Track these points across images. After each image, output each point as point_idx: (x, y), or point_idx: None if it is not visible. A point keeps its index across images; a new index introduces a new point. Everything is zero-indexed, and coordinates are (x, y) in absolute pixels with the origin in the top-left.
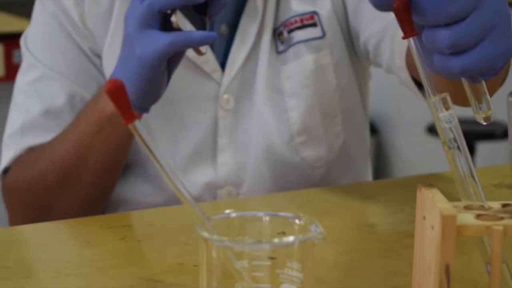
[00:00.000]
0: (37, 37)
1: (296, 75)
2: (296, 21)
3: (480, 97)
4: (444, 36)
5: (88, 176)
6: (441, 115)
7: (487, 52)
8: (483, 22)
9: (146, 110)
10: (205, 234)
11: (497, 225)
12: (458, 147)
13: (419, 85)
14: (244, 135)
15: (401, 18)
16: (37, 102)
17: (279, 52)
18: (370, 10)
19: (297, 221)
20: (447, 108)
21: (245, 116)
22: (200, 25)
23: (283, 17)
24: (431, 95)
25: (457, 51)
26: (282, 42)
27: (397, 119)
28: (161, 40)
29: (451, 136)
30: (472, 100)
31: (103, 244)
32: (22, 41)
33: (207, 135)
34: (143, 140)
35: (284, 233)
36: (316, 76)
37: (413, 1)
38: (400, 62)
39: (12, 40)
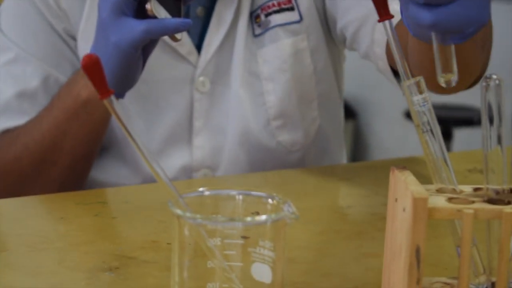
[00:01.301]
0: (10, 17)
1: (273, 59)
2: (273, 5)
3: (447, 60)
4: None
5: (63, 160)
6: (415, 98)
7: (460, 11)
8: None
9: (121, 95)
10: (178, 211)
11: (468, 209)
12: (431, 131)
13: (395, 72)
14: (220, 118)
15: (377, 1)
16: (11, 84)
17: (255, 36)
18: (342, 4)
19: (270, 200)
20: (421, 92)
21: (221, 99)
22: (175, 10)
23: (260, 1)
24: (405, 79)
25: (431, 3)
26: (259, 25)
27: (375, 104)
28: (136, 28)
29: (425, 119)
30: (438, 63)
31: (78, 220)
32: None
33: (182, 118)
34: (118, 116)
35: (257, 213)
36: (293, 61)
37: None
38: (379, 50)
39: None
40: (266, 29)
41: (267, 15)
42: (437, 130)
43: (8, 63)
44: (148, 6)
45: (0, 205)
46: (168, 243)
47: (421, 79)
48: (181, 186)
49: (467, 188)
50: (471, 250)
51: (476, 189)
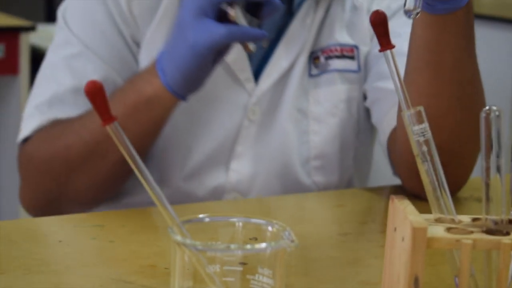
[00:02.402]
0: (79, 13)
1: (325, 101)
2: (336, 50)
3: None
4: None
5: (113, 155)
6: (414, 128)
7: None
8: None
9: (184, 98)
10: (178, 238)
11: (467, 239)
12: (431, 160)
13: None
14: (261, 147)
15: (378, 30)
16: (69, 78)
17: (311, 75)
18: (380, 67)
19: (269, 228)
20: (420, 122)
21: (267, 129)
22: (251, 24)
23: (323, 43)
24: (405, 108)
25: None
26: (316, 66)
27: (373, 128)
28: (217, 30)
29: (424, 149)
30: None
31: (75, 243)
32: (59, 13)
33: (227, 140)
34: (121, 140)
35: (256, 239)
36: (343, 107)
37: None
38: (383, 139)
39: None
40: (324, 71)
41: (327, 58)
42: (436, 159)
43: (70, 57)
44: (231, 12)
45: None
46: (166, 268)
47: (421, 108)
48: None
49: (466, 218)
50: (469, 280)
51: (474, 219)
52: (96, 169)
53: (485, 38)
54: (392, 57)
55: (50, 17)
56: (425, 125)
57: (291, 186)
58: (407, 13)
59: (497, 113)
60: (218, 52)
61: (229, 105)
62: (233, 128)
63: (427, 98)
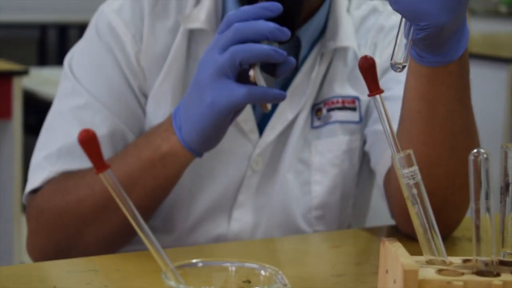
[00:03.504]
0: (86, 64)
1: (327, 152)
2: (337, 101)
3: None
4: None
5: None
6: (404, 171)
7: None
8: None
9: (200, 155)
10: (172, 284)
11: (458, 280)
12: (421, 203)
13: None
14: (263, 196)
15: (366, 75)
16: (77, 129)
17: (313, 127)
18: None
19: (262, 272)
20: (410, 165)
21: (268, 179)
22: (267, 82)
23: (325, 96)
24: (395, 151)
25: None
26: (319, 118)
27: (373, 175)
28: (238, 91)
29: (414, 191)
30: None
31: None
32: (66, 62)
33: (229, 190)
34: (114, 189)
35: (249, 282)
36: (345, 157)
37: None
38: (380, 181)
39: None
40: (326, 123)
41: (329, 110)
42: (426, 202)
43: (78, 108)
44: (251, 72)
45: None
46: None
47: (410, 152)
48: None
49: (457, 260)
50: None
51: (465, 261)
52: (108, 223)
53: (477, 75)
54: (381, 102)
55: (42, 61)
56: (415, 168)
57: (291, 234)
58: (393, 66)
59: (485, 155)
60: (236, 112)
61: (234, 155)
62: (237, 178)
63: (419, 146)
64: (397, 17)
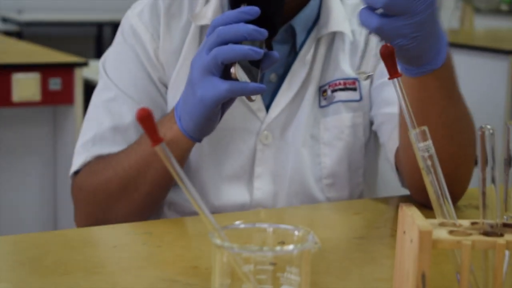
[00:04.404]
0: (115, 63)
1: (333, 128)
2: (340, 83)
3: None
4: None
5: (145, 187)
6: (420, 145)
7: (397, 25)
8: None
9: (199, 140)
10: (218, 242)
11: (467, 240)
12: (435, 173)
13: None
14: (278, 168)
15: (387, 61)
16: (108, 118)
17: (321, 106)
18: (385, 94)
19: (296, 232)
20: (425, 140)
21: (280, 152)
22: (253, 75)
23: (329, 78)
24: (411, 128)
25: (382, 14)
26: (325, 99)
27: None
28: (220, 87)
29: (429, 163)
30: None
31: (128, 248)
32: (100, 64)
33: (246, 163)
34: (168, 160)
35: (283, 243)
36: (349, 132)
37: None
38: (390, 152)
39: (48, 69)
40: (331, 102)
41: (333, 91)
42: (439, 172)
43: (108, 100)
44: (232, 70)
45: (61, 235)
46: (206, 268)
47: (425, 128)
48: (235, 216)
49: (465, 222)
50: (469, 276)
51: (473, 223)
52: (132, 199)
53: (481, 65)
54: (398, 84)
55: (99, 54)
56: (429, 142)
57: (308, 202)
58: (359, 75)
59: (491, 131)
60: (223, 104)
61: (245, 132)
62: (249, 151)
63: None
64: None
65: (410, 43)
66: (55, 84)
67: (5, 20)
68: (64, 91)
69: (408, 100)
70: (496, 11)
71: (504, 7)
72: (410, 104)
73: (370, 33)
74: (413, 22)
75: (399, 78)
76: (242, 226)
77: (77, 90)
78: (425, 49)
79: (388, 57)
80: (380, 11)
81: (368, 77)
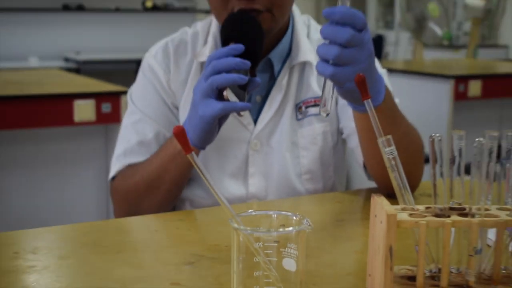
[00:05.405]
0: (138, 93)
1: (308, 136)
2: (312, 101)
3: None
4: (334, 51)
5: (164, 187)
6: (386, 149)
7: (347, 72)
8: (356, 60)
9: (203, 148)
10: (235, 225)
11: (423, 221)
12: (398, 170)
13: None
14: (267, 168)
15: (359, 87)
16: (135, 136)
17: (298, 119)
18: (350, 112)
19: (294, 217)
20: (390, 145)
21: (267, 155)
22: (241, 96)
23: (303, 97)
24: (379, 136)
25: (334, 64)
26: (301, 113)
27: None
28: (216, 106)
29: (393, 163)
30: (323, 98)
31: (166, 231)
32: (128, 95)
33: (241, 165)
34: (196, 165)
35: (283, 226)
36: (320, 138)
37: (323, 31)
38: (360, 160)
39: (100, 96)
40: (305, 116)
41: (306, 107)
42: (401, 170)
43: (135, 122)
44: (225, 93)
45: (116, 222)
46: (226, 246)
47: (389, 137)
48: (237, 208)
49: (421, 207)
50: (425, 248)
51: (427, 208)
52: (155, 197)
53: (429, 87)
54: (368, 104)
55: None
56: (393, 147)
57: (292, 193)
58: (321, 112)
59: (439, 138)
60: (219, 119)
61: (238, 141)
62: (243, 156)
63: (376, 155)
64: None
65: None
66: (106, 107)
67: (67, 59)
68: (113, 113)
69: (360, 128)
70: (439, 46)
71: (445, 42)
72: (364, 131)
73: (325, 79)
74: (357, 69)
75: (370, 100)
76: (253, 213)
77: (123, 112)
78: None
79: (360, 83)
80: (332, 62)
81: (327, 114)
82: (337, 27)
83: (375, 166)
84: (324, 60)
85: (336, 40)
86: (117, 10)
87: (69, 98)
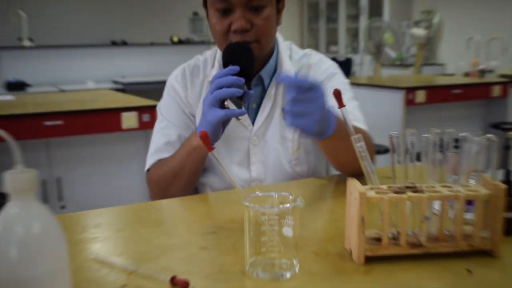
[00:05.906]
0: (164, 106)
1: (292, 132)
2: None
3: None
4: (287, 107)
5: (185, 176)
6: (358, 144)
7: (303, 123)
8: (310, 114)
9: (212, 145)
10: (247, 203)
11: (386, 197)
12: (366, 160)
13: None
14: (264, 157)
15: (336, 98)
16: (163, 138)
17: (284, 120)
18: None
19: (290, 196)
20: (360, 141)
21: (264, 148)
22: (239, 105)
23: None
24: (352, 135)
25: (293, 115)
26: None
27: None
28: (219, 113)
29: (363, 154)
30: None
31: (193, 209)
32: (157, 108)
33: (244, 156)
34: (216, 158)
35: (282, 203)
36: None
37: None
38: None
39: (141, 109)
40: None
41: None
42: (368, 159)
43: (162, 127)
44: (226, 103)
45: (156, 204)
46: (240, 219)
47: (360, 135)
48: (247, 190)
49: (385, 187)
50: (388, 217)
51: (389, 187)
52: (178, 184)
53: (386, 97)
54: (345, 112)
55: None
56: (362, 143)
57: (284, 175)
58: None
59: (397, 135)
60: (223, 123)
61: (240, 138)
62: (245, 150)
63: (342, 161)
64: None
65: (312, 128)
66: (146, 117)
67: (115, 82)
68: (151, 121)
69: (324, 148)
70: (393, 65)
71: (397, 62)
72: (327, 149)
73: (287, 125)
74: (312, 119)
75: (345, 108)
76: (260, 194)
77: None
78: (321, 128)
79: (337, 96)
80: (289, 114)
81: (298, 149)
82: (287, 89)
83: (340, 167)
84: (287, 112)
85: (287, 98)
86: (152, 44)
87: (118, 111)
